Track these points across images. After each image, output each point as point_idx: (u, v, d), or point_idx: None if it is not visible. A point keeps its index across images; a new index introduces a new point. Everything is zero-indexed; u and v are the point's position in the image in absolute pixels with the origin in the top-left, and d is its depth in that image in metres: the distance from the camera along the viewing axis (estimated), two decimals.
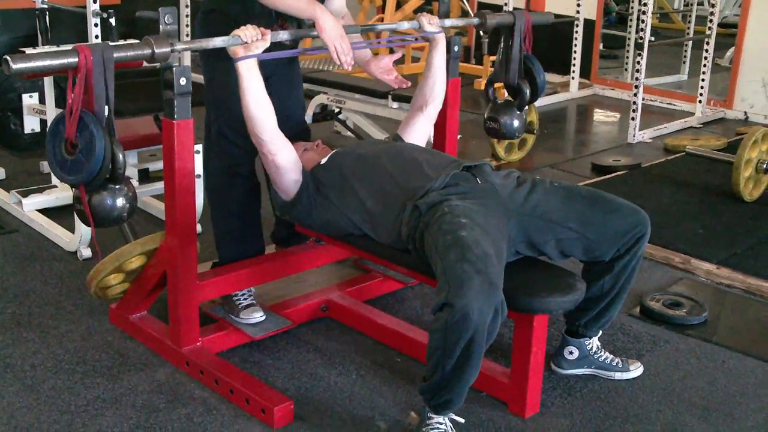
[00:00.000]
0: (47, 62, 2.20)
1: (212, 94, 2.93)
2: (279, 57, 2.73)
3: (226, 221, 3.02)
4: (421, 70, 7.10)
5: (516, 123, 3.32)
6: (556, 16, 7.45)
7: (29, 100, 4.62)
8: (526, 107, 3.34)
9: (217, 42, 2.51)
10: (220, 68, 2.84)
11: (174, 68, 2.43)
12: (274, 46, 2.62)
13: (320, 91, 5.29)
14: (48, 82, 4.16)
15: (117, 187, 2.36)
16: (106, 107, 2.28)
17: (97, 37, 4.64)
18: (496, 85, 3.38)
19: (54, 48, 4.04)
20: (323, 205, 2.70)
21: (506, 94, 3.42)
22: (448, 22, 3.13)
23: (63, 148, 2.31)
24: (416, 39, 3.44)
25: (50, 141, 2.35)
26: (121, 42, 4.23)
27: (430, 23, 3.02)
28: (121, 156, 2.31)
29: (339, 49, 2.71)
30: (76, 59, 2.22)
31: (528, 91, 3.25)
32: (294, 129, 3.00)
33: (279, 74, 2.95)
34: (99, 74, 2.24)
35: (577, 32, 6.96)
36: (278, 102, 2.71)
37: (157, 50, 2.36)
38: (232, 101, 2.73)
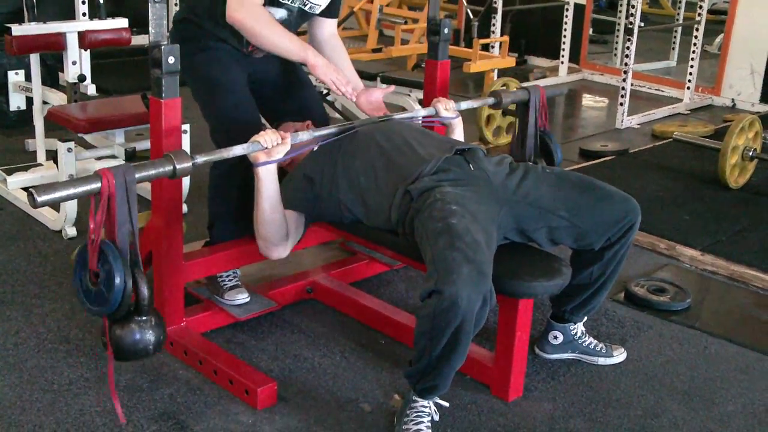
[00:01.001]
0: (71, 191, 2.10)
1: (204, 101, 2.90)
2: (298, 153, 2.74)
3: (225, 205, 2.98)
4: (411, 53, 7.11)
5: None
6: (547, 0, 7.46)
7: (15, 77, 4.59)
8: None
9: (237, 150, 2.45)
10: (200, 70, 2.84)
11: (162, 47, 2.41)
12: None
13: (308, 73, 5.25)
14: (34, 60, 4.13)
15: (142, 319, 2.22)
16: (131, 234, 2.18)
17: (84, 15, 4.62)
18: None
19: (41, 26, 4.01)
20: (319, 194, 2.67)
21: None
22: (464, 105, 3.08)
23: (87, 277, 2.20)
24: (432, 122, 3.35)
25: (77, 269, 2.24)
26: (108, 22, 4.21)
27: (446, 109, 2.96)
28: (145, 288, 2.19)
29: (336, 81, 2.77)
30: (99, 185, 2.12)
31: None
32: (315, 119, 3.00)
33: (278, 73, 3.01)
34: (122, 198, 2.14)
35: (567, 17, 6.96)
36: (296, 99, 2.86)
37: (178, 166, 2.29)
38: (224, 96, 2.76)
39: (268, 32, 2.71)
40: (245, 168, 2.95)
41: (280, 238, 2.63)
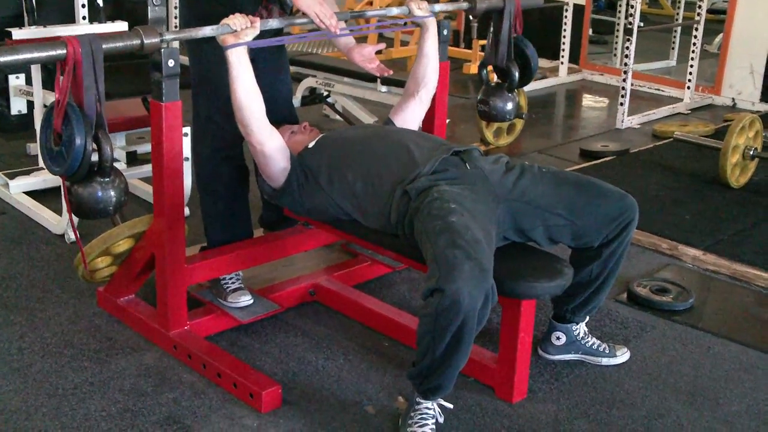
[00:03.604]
0: (34, 54, 2.16)
1: (199, 78, 2.91)
2: (269, 45, 2.72)
3: (214, 205, 3.02)
4: (411, 54, 7.13)
5: (506, 106, 3.32)
6: (546, 0, 7.46)
7: (16, 81, 4.59)
8: (516, 90, 3.34)
9: (207, 31, 2.48)
10: (207, 52, 2.82)
11: (162, 50, 2.41)
12: (264, 32, 2.61)
13: (309, 75, 5.27)
14: None
15: (104, 180, 2.32)
16: (96, 99, 2.24)
17: (84, 18, 4.61)
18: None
19: (41, 29, 4.02)
20: (312, 190, 2.69)
21: (495, 77, 3.41)
22: (437, 7, 3.10)
23: (52, 138, 2.27)
24: (405, 24, 3.39)
25: (43, 129, 2.31)
26: (108, 26, 4.21)
27: (420, 8, 2.99)
28: (108, 149, 2.28)
29: (320, 14, 2.72)
30: (64, 51, 2.18)
31: (517, 74, 3.24)
32: (281, 113, 2.99)
33: (266, 57, 2.94)
34: (88, 66, 2.20)
35: (566, 17, 6.95)
36: (266, 85, 2.70)
37: (146, 41, 2.33)
38: (220, 85, 2.71)
39: None
40: (231, 165, 2.97)
41: (258, 122, 2.60)
